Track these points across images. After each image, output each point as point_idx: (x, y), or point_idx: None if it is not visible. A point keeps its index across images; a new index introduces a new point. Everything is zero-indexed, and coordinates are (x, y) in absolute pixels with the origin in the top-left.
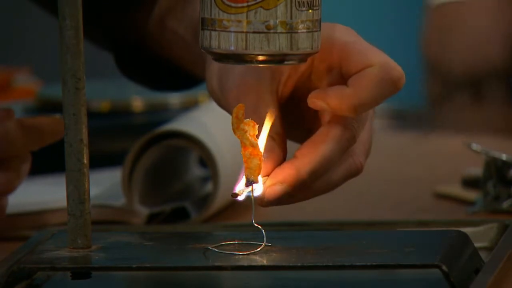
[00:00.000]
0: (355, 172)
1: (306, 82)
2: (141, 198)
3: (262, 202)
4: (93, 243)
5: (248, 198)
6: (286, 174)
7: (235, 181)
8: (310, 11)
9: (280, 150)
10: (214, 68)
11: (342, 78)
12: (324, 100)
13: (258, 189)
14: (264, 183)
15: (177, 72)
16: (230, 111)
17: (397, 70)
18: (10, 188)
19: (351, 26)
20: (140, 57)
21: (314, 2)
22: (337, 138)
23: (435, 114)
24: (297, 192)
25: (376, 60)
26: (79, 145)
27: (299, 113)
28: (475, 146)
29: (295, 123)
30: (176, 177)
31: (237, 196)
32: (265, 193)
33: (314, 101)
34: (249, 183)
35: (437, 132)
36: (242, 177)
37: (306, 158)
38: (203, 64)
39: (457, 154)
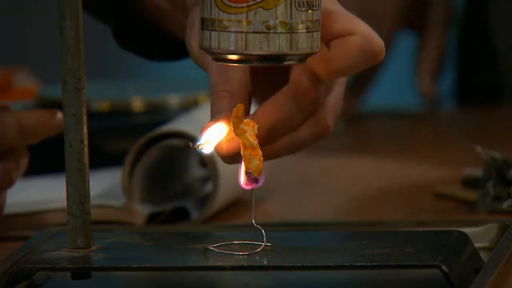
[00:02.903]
0: (322, 133)
1: None
2: (141, 198)
3: (220, 155)
4: (93, 243)
5: (249, 199)
6: None
7: (235, 181)
8: (310, 11)
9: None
10: (195, 28)
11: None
12: None
13: (215, 143)
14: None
15: (173, 41)
16: (207, 71)
17: (379, 43)
18: (8, 182)
19: None
20: (137, 28)
21: (314, 2)
22: (298, 97)
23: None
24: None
25: (359, 29)
26: (79, 145)
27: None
28: (475, 146)
29: (271, 88)
30: (176, 177)
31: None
32: (223, 148)
33: None
34: (250, 180)
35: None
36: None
37: (265, 114)
38: (183, 33)
39: (457, 154)
